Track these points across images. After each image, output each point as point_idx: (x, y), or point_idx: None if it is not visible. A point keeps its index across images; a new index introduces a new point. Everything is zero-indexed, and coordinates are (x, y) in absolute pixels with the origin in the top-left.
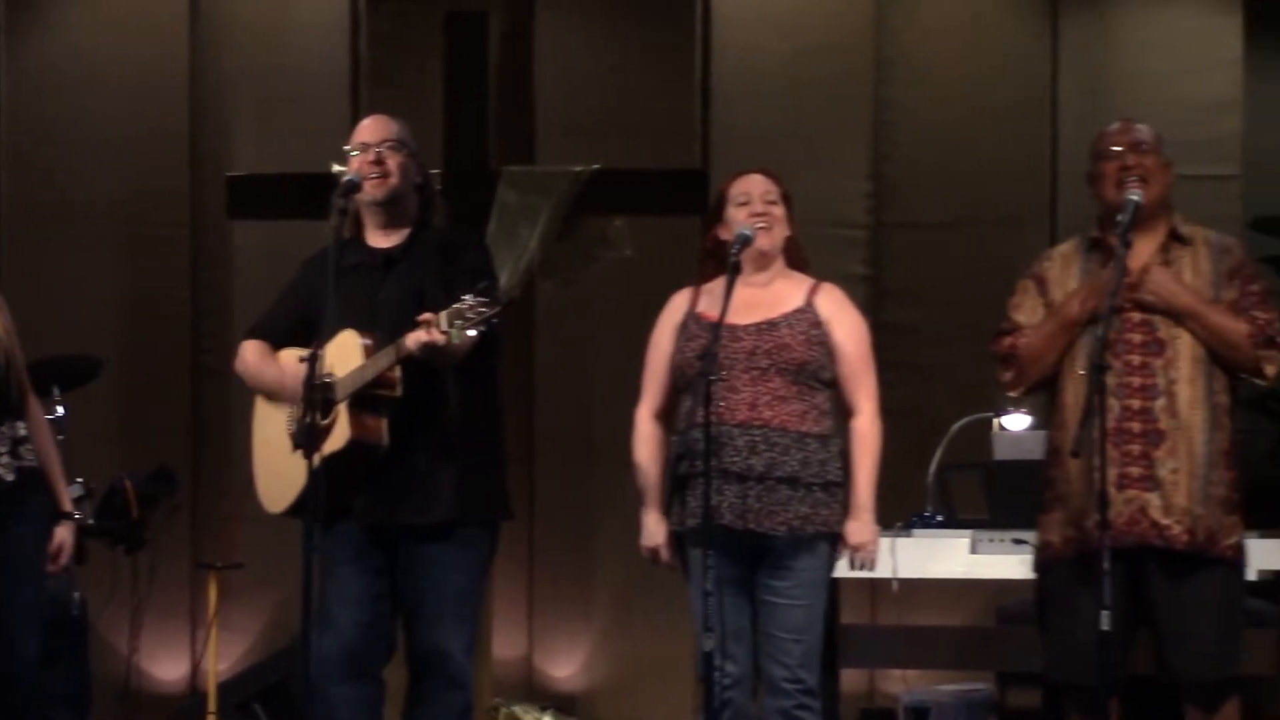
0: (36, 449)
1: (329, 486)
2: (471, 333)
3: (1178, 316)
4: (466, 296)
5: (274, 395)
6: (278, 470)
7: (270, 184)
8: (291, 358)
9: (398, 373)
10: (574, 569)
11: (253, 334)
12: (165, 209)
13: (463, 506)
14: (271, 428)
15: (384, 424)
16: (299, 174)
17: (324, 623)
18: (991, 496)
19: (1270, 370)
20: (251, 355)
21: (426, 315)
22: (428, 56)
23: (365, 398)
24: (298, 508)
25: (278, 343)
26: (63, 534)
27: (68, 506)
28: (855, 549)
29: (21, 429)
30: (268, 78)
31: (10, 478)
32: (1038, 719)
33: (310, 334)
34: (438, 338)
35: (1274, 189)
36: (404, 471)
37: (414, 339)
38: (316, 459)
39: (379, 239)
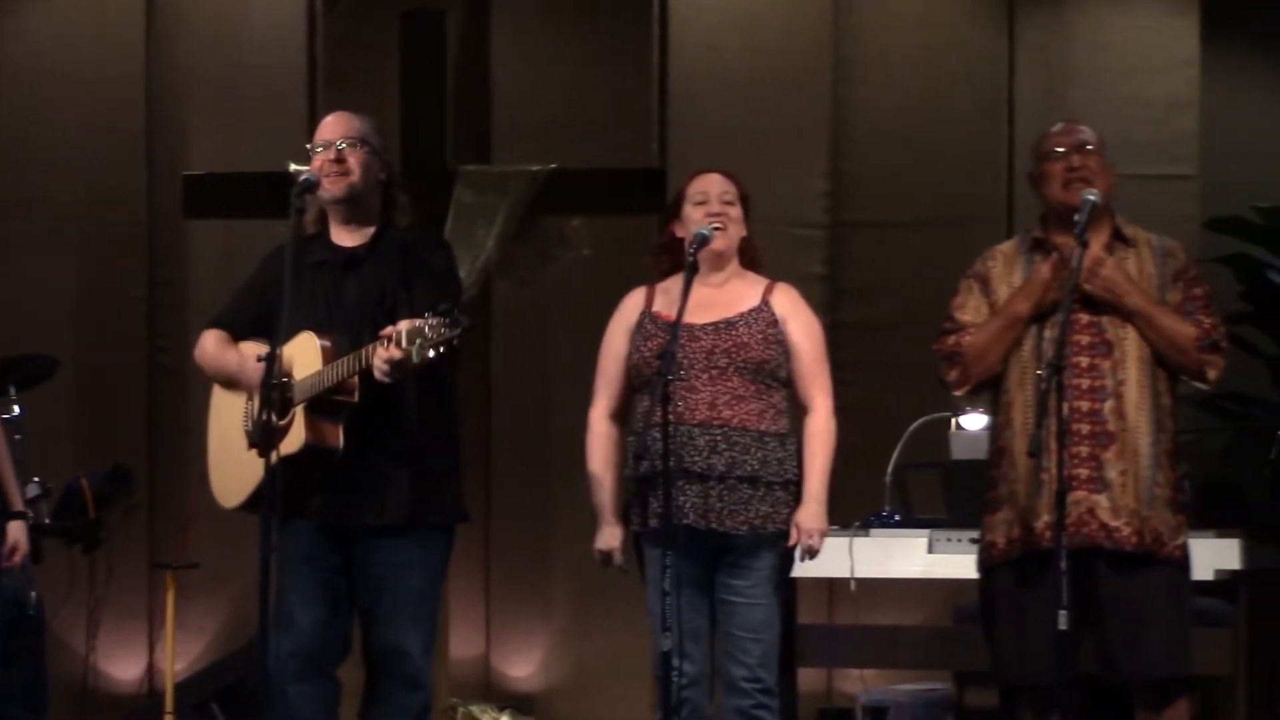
0: None
1: (284, 486)
2: (430, 353)
3: (1127, 315)
4: (429, 316)
5: (231, 383)
6: (232, 466)
7: (227, 183)
8: (253, 350)
9: (355, 380)
10: (531, 569)
11: (215, 324)
12: (121, 208)
13: (419, 510)
14: (228, 423)
15: (340, 429)
16: (256, 173)
17: (280, 622)
18: (949, 496)
19: (1212, 374)
20: (211, 343)
21: (387, 330)
22: (384, 55)
23: (322, 402)
24: (252, 504)
25: (239, 334)
26: (15, 532)
27: (19, 505)
28: (804, 535)
29: None
30: (224, 76)
31: None
32: (995, 718)
33: (266, 328)
34: (395, 353)
35: (1230, 189)
36: (361, 474)
37: (378, 358)
38: (273, 458)
39: (343, 236)
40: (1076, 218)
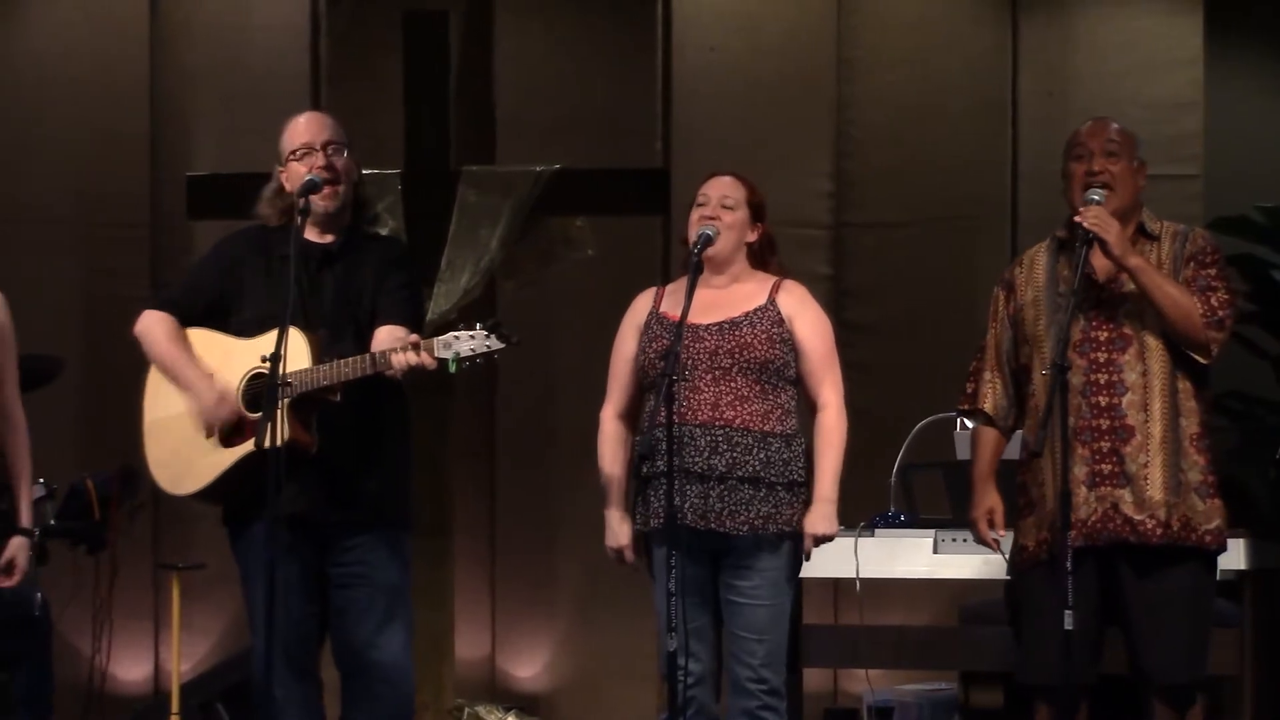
0: (10, 460)
1: (251, 482)
2: (466, 365)
3: (1126, 271)
4: (477, 326)
5: (172, 382)
6: (180, 452)
7: (230, 184)
8: (203, 341)
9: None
10: (536, 570)
11: (164, 306)
12: (125, 209)
13: (387, 510)
14: (175, 407)
15: (313, 426)
16: (259, 174)
17: (258, 622)
18: (954, 496)
19: (1215, 350)
20: (162, 330)
21: (414, 338)
22: (388, 56)
23: (305, 399)
24: (210, 494)
25: (189, 320)
26: (12, 549)
27: (24, 521)
28: (815, 539)
29: None
30: (227, 78)
31: None
32: (1001, 718)
33: (220, 316)
34: (428, 362)
35: (1234, 189)
36: (329, 472)
37: (400, 360)
38: (238, 453)
39: (313, 233)
40: (1077, 219)
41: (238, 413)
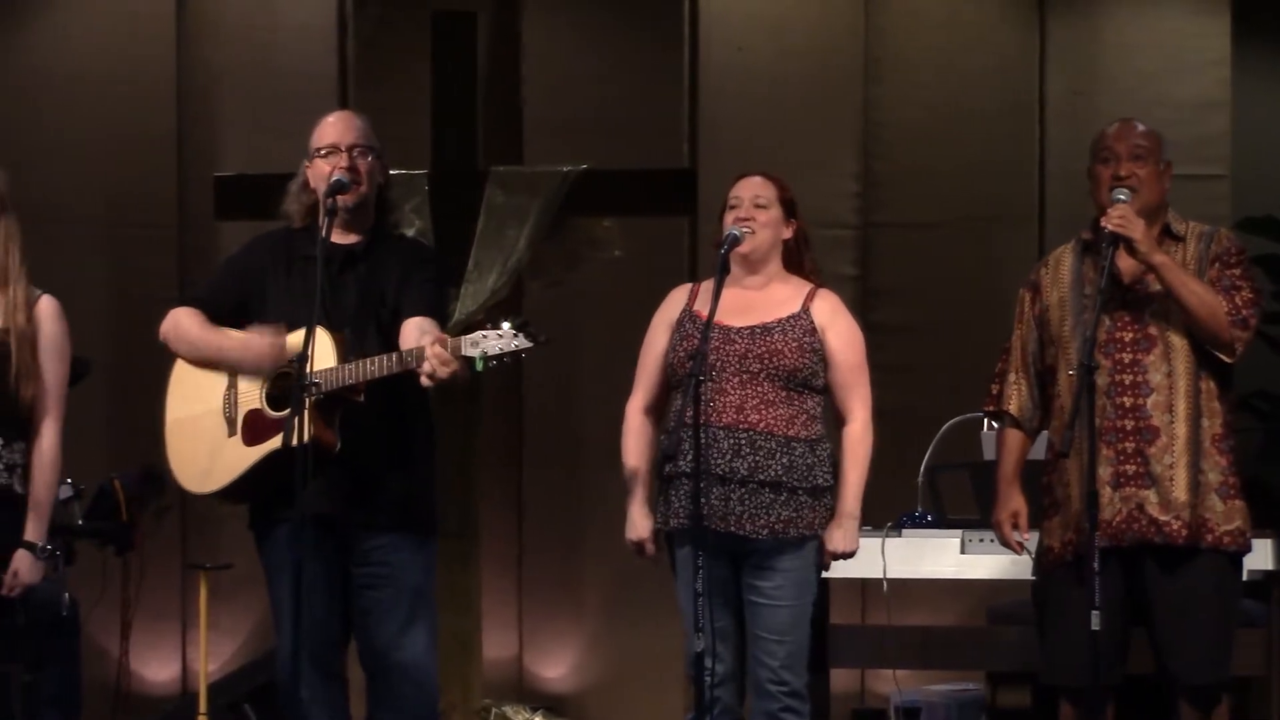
0: (31, 471)
1: (274, 481)
2: (494, 364)
3: (1150, 268)
4: (504, 325)
5: (213, 364)
6: (203, 450)
7: (258, 184)
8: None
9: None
10: (563, 570)
11: (191, 303)
12: (152, 209)
13: (410, 512)
14: (196, 404)
15: (336, 426)
16: (286, 174)
17: (282, 622)
18: (981, 496)
19: (1239, 349)
20: (194, 323)
21: (442, 337)
22: (415, 57)
23: (330, 399)
24: (231, 494)
25: (216, 319)
26: (15, 563)
27: (32, 537)
28: (834, 555)
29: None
30: (255, 78)
31: None
32: (1028, 718)
33: (246, 316)
34: (456, 367)
35: (1262, 189)
36: (353, 473)
37: (428, 366)
38: (262, 451)
39: (336, 234)
40: (1103, 223)
41: (287, 353)
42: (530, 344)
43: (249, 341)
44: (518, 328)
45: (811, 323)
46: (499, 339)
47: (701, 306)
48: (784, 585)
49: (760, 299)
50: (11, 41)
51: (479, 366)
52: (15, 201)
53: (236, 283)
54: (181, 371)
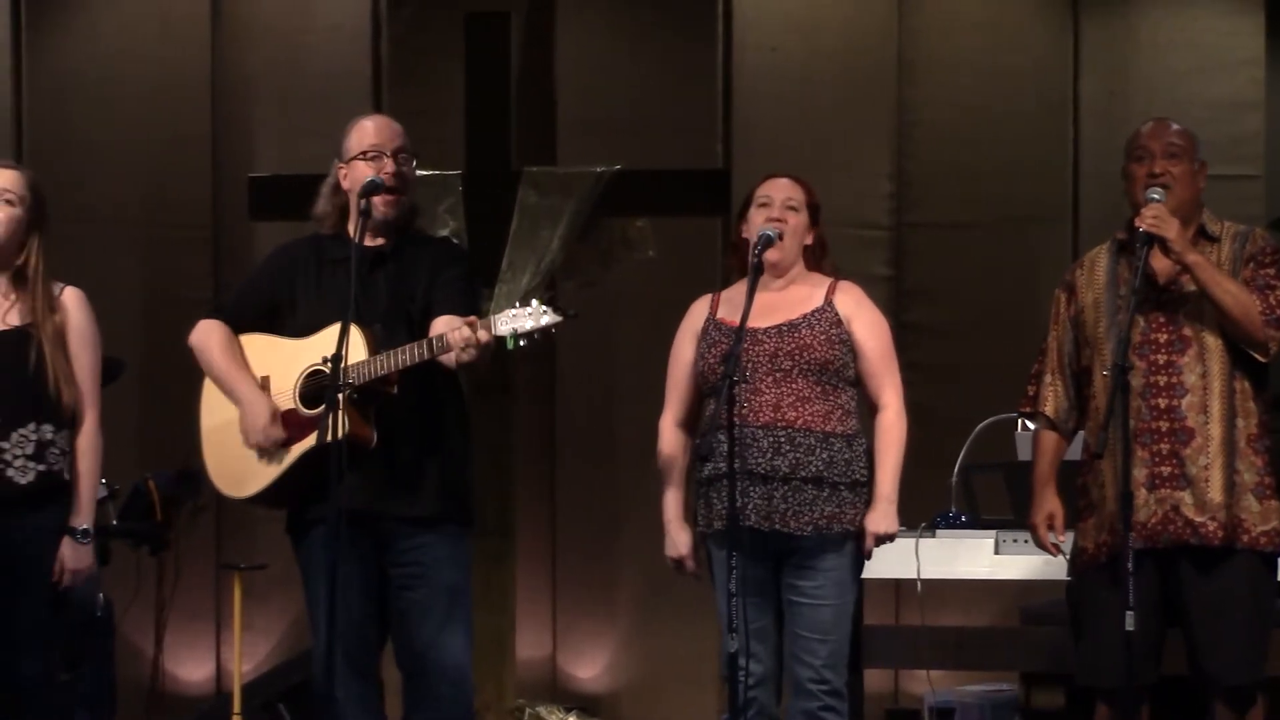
0: (74, 459)
1: (311, 479)
2: (523, 342)
3: (1185, 269)
4: (533, 303)
5: (225, 394)
6: (240, 455)
7: (292, 185)
8: (260, 350)
9: (397, 371)
10: (597, 570)
11: (218, 313)
12: (187, 210)
13: (447, 506)
14: (231, 412)
15: (372, 420)
16: (320, 175)
17: (318, 622)
18: (1015, 496)
19: (1273, 349)
20: (216, 341)
21: (472, 318)
22: (449, 57)
23: (364, 392)
24: (269, 497)
25: (243, 326)
26: (64, 550)
27: (79, 524)
28: (876, 538)
29: (49, 433)
30: (289, 79)
31: (25, 480)
32: (1062, 719)
33: (273, 322)
34: (485, 338)
35: None
36: (389, 466)
37: (457, 338)
38: (298, 451)
39: (365, 238)
40: (1137, 223)
41: (285, 436)
42: (560, 318)
43: (256, 403)
44: (545, 303)
45: (836, 314)
46: (529, 315)
47: (726, 314)
48: (825, 585)
49: (782, 299)
50: (45, 43)
51: (510, 344)
52: (41, 199)
53: (265, 289)
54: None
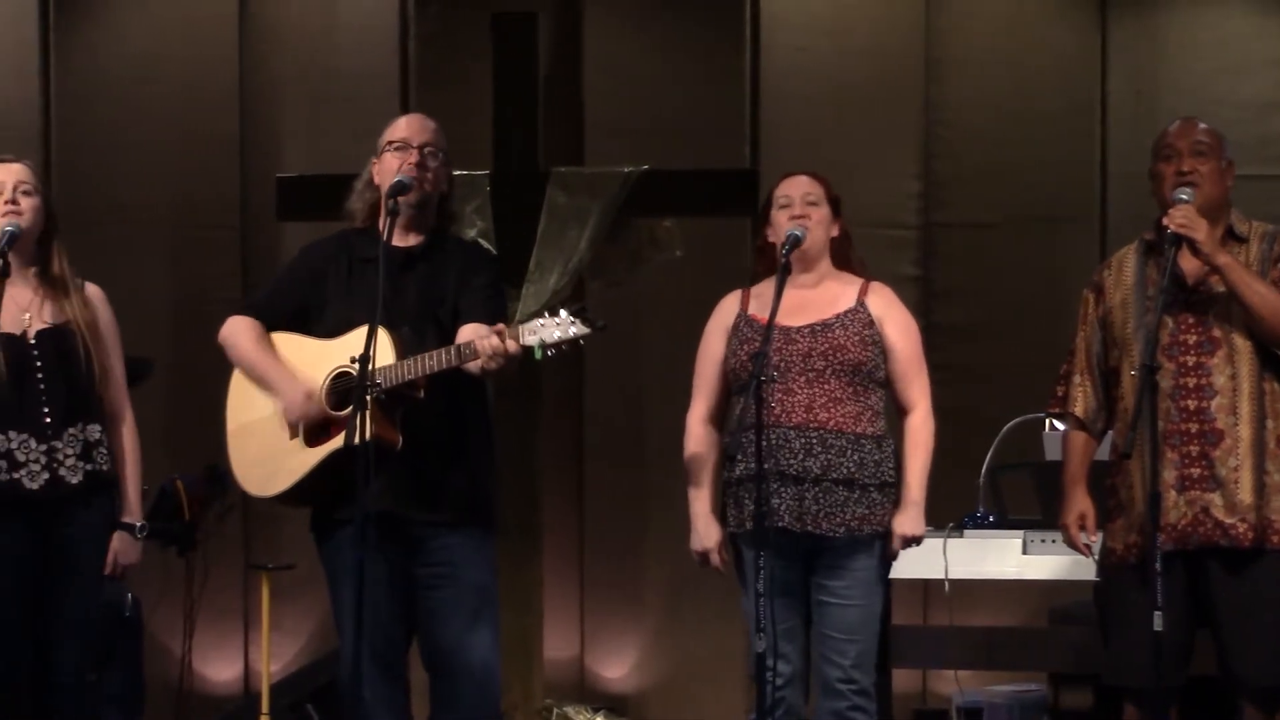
0: (115, 456)
1: (337, 480)
2: (551, 352)
3: (1214, 269)
4: (561, 312)
5: (257, 383)
6: (266, 454)
7: (320, 185)
8: (290, 348)
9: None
10: (625, 570)
11: (250, 311)
12: (215, 210)
13: (472, 508)
14: (259, 410)
15: (398, 423)
16: (349, 175)
17: (351, 624)
18: (1043, 497)
19: None
20: (247, 334)
21: (500, 326)
22: (477, 58)
23: (391, 396)
24: (294, 496)
25: (274, 325)
26: (116, 544)
27: (130, 518)
28: (904, 541)
29: (96, 432)
30: (317, 79)
31: (76, 480)
32: (1091, 719)
33: (303, 320)
34: (513, 348)
35: None
36: (415, 469)
37: (484, 346)
38: (324, 451)
39: (397, 236)
40: (1165, 223)
41: (323, 411)
42: (588, 330)
43: (290, 383)
44: (574, 314)
45: (869, 315)
46: (557, 326)
47: (757, 310)
48: (854, 585)
49: (815, 297)
50: (73, 44)
51: (538, 355)
52: (60, 196)
53: (295, 288)
54: (241, 377)
